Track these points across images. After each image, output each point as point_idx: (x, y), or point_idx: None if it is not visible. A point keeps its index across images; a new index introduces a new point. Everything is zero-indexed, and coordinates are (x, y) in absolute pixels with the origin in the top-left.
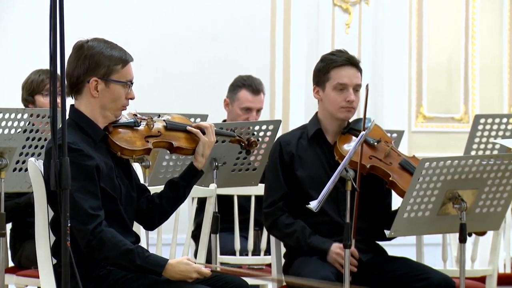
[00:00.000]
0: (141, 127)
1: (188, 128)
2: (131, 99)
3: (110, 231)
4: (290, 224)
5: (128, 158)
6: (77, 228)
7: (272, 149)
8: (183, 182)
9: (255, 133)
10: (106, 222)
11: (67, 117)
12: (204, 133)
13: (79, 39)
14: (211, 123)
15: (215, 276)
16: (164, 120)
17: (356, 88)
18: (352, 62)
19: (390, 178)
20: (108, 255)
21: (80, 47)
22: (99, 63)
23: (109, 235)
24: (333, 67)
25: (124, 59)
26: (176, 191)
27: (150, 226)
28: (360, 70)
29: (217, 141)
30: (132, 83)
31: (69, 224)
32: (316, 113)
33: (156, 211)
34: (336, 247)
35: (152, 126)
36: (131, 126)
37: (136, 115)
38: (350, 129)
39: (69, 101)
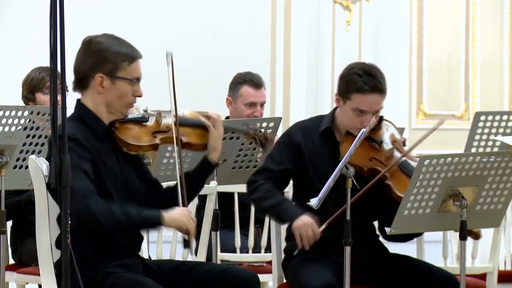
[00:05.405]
0: (150, 123)
1: (199, 120)
2: (138, 96)
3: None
4: (271, 190)
5: (135, 153)
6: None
7: (287, 131)
8: (195, 176)
9: (256, 130)
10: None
11: (72, 111)
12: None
13: (88, 35)
14: (218, 114)
15: (225, 269)
16: (174, 116)
17: (376, 112)
18: (378, 89)
19: (386, 181)
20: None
21: (88, 42)
22: (105, 59)
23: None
24: (356, 92)
25: (131, 55)
26: (188, 184)
27: None
28: (384, 93)
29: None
30: (138, 81)
31: (69, 222)
32: (336, 108)
33: (167, 205)
34: (305, 217)
35: (161, 121)
36: (140, 121)
37: (146, 111)
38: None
39: (75, 96)
